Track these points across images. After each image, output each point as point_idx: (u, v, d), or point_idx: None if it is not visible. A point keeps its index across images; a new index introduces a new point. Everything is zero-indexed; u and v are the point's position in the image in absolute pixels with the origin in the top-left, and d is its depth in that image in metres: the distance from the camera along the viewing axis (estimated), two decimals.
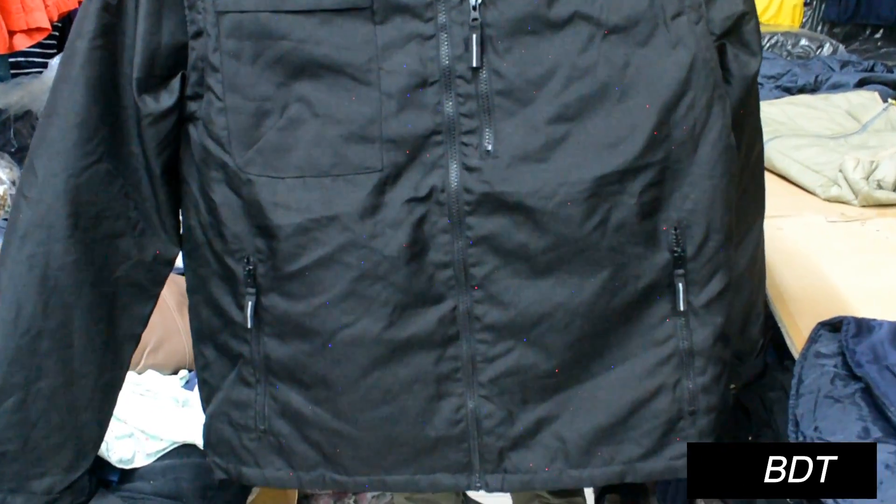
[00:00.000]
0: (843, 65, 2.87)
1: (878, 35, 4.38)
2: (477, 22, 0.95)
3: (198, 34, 0.99)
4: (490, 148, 0.97)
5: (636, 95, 0.96)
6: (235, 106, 0.98)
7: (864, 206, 1.82)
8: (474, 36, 0.95)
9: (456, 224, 0.98)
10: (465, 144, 0.97)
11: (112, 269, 1.05)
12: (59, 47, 2.88)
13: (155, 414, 1.45)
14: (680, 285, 1.01)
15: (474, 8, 0.96)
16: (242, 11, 0.97)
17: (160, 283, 1.11)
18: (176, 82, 1.01)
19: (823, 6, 4.40)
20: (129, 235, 1.05)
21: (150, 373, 1.62)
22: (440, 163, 0.98)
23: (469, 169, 0.97)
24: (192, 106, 1.01)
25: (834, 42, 3.49)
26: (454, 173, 0.98)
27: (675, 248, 1.01)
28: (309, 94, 0.98)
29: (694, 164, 0.99)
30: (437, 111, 0.97)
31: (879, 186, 1.83)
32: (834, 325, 1.21)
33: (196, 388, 1.21)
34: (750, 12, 1.01)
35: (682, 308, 1.02)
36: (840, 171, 1.87)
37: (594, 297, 1.00)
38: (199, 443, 1.30)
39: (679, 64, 0.97)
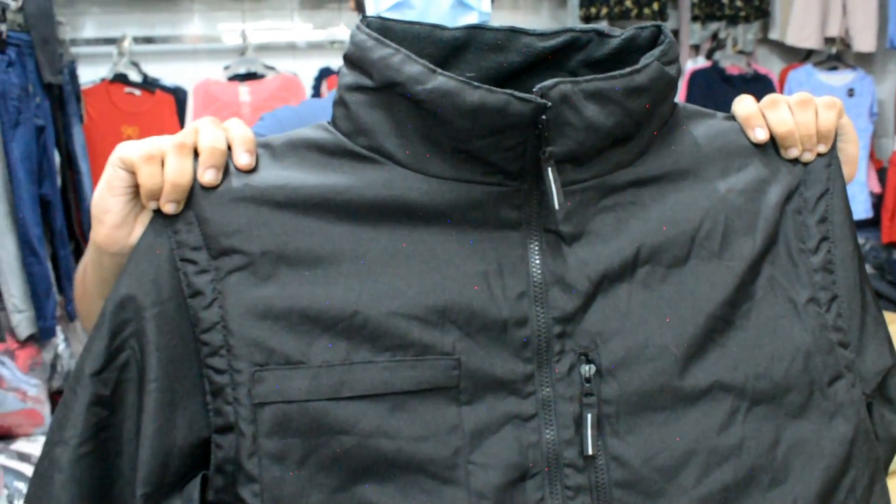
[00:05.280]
0: None
1: None
2: (591, 398, 0.75)
3: (226, 429, 0.74)
4: None
5: (789, 480, 0.77)
6: None
7: None
8: (588, 415, 0.75)
9: None
10: None
11: None
12: None
13: None
14: None
15: (587, 380, 0.76)
16: (289, 401, 0.73)
17: None
18: (194, 488, 0.76)
19: None
20: None
21: None
22: None
23: None
24: None
25: None
26: None
27: None
28: (376, 499, 0.74)
29: None
30: None
31: None
32: None
33: None
34: (895, 365, 0.86)
35: None
36: None
37: None
38: None
39: (839, 439, 0.79)
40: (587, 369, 0.76)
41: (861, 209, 4.03)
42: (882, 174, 4.13)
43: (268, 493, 0.73)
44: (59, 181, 3.12)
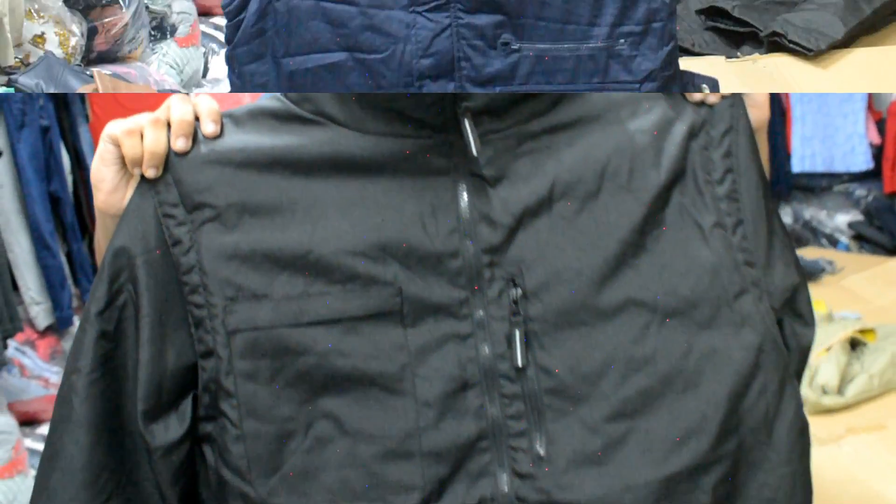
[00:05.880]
0: None
1: None
2: (519, 318, 0.85)
3: (207, 354, 0.87)
4: (542, 452, 0.85)
5: (702, 385, 0.86)
6: (254, 432, 0.85)
7: (814, 414, 1.78)
8: (517, 332, 0.85)
9: None
10: (514, 449, 0.85)
11: None
12: None
13: None
14: None
15: (514, 301, 0.86)
16: (257, 328, 0.86)
17: None
18: (187, 405, 0.88)
19: None
20: None
21: None
22: (488, 470, 0.85)
23: (521, 476, 0.84)
24: (207, 426, 0.88)
25: None
26: (504, 482, 0.85)
27: None
28: (336, 409, 0.85)
29: (770, 451, 0.88)
30: (479, 415, 0.85)
31: (824, 392, 1.79)
32: None
33: None
34: (803, 282, 0.95)
35: None
36: None
37: None
38: None
39: (747, 346, 0.87)
40: (514, 293, 0.86)
41: (861, 160, 4.07)
42: (881, 125, 4.16)
43: (244, 406, 0.85)
44: (69, 179, 3.23)
